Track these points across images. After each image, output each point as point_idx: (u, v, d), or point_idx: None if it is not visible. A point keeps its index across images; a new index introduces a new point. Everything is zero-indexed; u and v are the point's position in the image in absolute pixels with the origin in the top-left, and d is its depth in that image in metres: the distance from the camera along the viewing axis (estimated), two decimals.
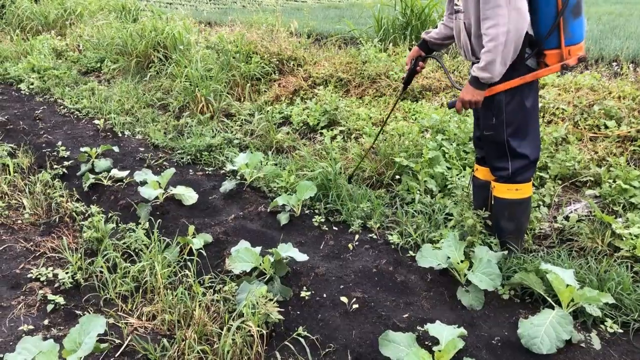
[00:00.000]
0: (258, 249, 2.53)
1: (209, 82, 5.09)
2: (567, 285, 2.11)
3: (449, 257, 2.41)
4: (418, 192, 3.22)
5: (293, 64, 5.52)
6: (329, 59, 5.59)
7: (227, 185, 3.36)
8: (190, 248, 2.74)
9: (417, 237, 2.79)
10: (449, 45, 2.78)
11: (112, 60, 6.57)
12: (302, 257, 2.42)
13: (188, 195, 3.21)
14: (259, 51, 5.70)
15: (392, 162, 3.50)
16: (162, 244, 2.68)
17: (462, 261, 2.38)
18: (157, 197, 3.20)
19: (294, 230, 2.96)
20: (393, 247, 2.76)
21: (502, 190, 2.46)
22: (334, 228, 3.01)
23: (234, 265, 2.38)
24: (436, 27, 2.76)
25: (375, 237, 2.87)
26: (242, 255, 2.43)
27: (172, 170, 3.26)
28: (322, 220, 3.01)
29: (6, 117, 5.05)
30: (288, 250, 2.44)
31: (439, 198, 3.16)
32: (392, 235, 2.83)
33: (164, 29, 6.15)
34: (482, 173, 2.64)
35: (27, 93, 6.08)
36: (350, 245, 2.77)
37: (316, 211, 3.16)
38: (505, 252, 2.51)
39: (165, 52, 6.05)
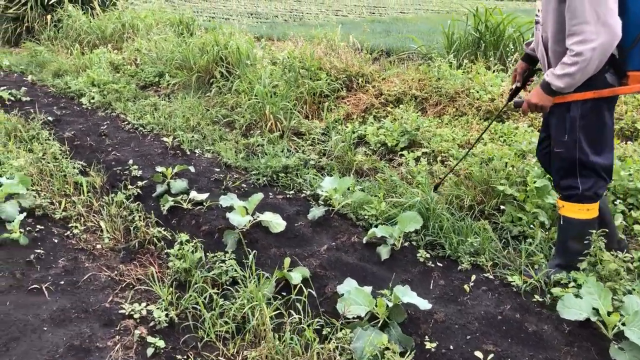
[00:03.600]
0: (368, 289, 2.28)
1: (277, 99, 4.91)
2: None
3: (594, 308, 2.10)
4: (528, 225, 2.92)
5: (361, 81, 5.31)
6: (398, 76, 5.35)
7: (316, 212, 3.12)
8: (286, 283, 2.52)
9: (539, 278, 2.48)
10: None
11: (172, 74, 6.49)
12: (424, 304, 2.15)
13: (276, 222, 2.99)
14: (325, 67, 5.52)
15: (491, 190, 3.21)
16: (258, 278, 2.46)
17: (610, 313, 2.07)
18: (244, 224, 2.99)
19: (396, 265, 2.70)
20: (514, 289, 2.46)
21: (573, 210, 2.38)
22: (439, 264, 2.73)
23: (349, 309, 2.13)
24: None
25: (490, 277, 2.58)
26: (355, 297, 2.18)
27: (260, 195, 3.05)
28: (428, 256, 2.74)
29: (72, 132, 4.98)
30: (405, 294, 2.18)
31: (553, 232, 2.85)
32: (511, 275, 2.54)
33: (226, 43, 6.03)
34: None
35: (89, 107, 6.04)
36: (466, 287, 2.48)
37: (414, 243, 2.90)
38: None
39: (227, 67, 5.93)
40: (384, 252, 2.71)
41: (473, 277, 2.53)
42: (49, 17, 9.88)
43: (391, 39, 10.98)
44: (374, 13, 19.74)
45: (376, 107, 4.87)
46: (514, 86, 2.76)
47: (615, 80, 2.23)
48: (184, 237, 2.75)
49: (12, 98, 6.21)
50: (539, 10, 2.35)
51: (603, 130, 2.30)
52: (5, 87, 6.47)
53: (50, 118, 5.40)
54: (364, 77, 5.34)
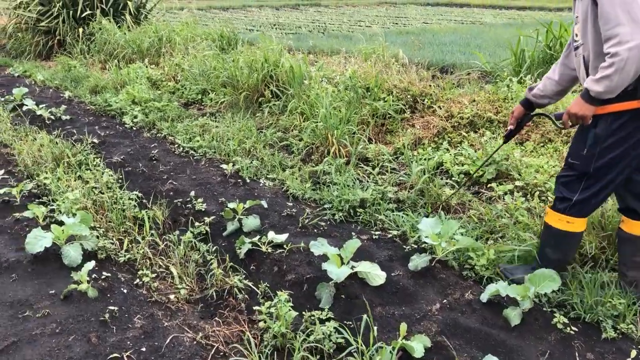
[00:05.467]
0: None
1: (337, 121, 4.55)
2: None
3: None
4: None
5: (427, 101, 4.94)
6: (464, 96, 4.98)
7: (418, 261, 2.75)
8: (404, 353, 2.15)
9: None
10: (555, 101, 2.71)
11: (217, 92, 6.18)
12: None
13: (375, 274, 2.63)
14: (383, 86, 5.16)
15: (613, 235, 2.81)
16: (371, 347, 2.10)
17: None
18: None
19: (528, 332, 2.31)
20: None
21: (554, 219, 2.46)
22: (574, 328, 2.34)
23: None
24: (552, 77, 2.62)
25: None
26: None
27: (357, 242, 2.69)
28: (566, 320, 2.34)
29: (122, 156, 4.68)
30: None
31: None
32: None
33: (276, 60, 5.72)
34: (629, 226, 2.47)
35: (133, 127, 5.75)
36: None
37: (535, 300, 2.50)
38: None
39: (278, 85, 5.61)
40: (513, 316, 2.33)
41: (633, 353, 2.13)
42: (80, 30, 9.70)
43: (428, 52, 10.59)
44: (397, 24, 19.35)
45: (448, 131, 4.49)
46: (509, 128, 2.81)
47: None
48: (282, 295, 2.38)
49: (52, 117, 5.95)
50: (576, 35, 2.33)
51: (623, 151, 2.23)
52: (44, 105, 6.22)
53: (95, 140, 5.11)
54: (429, 97, 4.97)
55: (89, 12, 9.89)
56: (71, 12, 10.00)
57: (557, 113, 2.47)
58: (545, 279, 2.34)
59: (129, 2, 10.32)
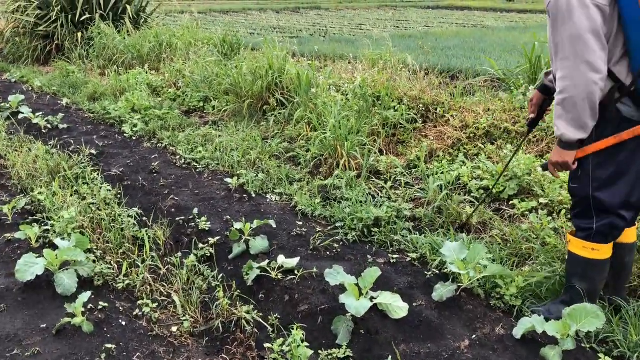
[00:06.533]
0: None
1: (347, 131, 4.34)
2: None
3: None
4: None
5: (439, 110, 4.73)
6: (478, 104, 4.76)
7: (443, 291, 2.52)
8: None
9: None
10: None
11: (221, 100, 5.97)
12: None
13: (396, 306, 2.40)
14: (394, 95, 4.95)
15: None
16: None
17: None
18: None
19: None
20: None
21: (577, 247, 2.29)
22: None
23: None
24: None
25: None
26: None
27: (376, 272, 2.46)
28: None
29: (120, 169, 4.46)
30: None
31: None
32: None
33: (281, 67, 5.51)
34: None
35: (132, 137, 5.53)
36: None
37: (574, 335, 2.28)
38: None
39: (283, 92, 5.39)
40: (552, 356, 2.10)
41: None
42: (79, 34, 9.49)
43: (433, 57, 10.36)
44: (398, 27, 19.14)
45: (463, 143, 4.27)
46: (530, 117, 2.71)
47: (635, 111, 2.04)
48: (297, 335, 2.16)
49: (49, 126, 5.75)
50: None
51: (619, 165, 2.11)
52: (41, 113, 6.01)
53: (93, 151, 4.89)
54: (442, 106, 4.76)
55: (87, 16, 9.70)
56: (70, 16, 9.81)
57: (543, 164, 2.44)
58: (588, 316, 2.11)
59: (129, 6, 10.13)
